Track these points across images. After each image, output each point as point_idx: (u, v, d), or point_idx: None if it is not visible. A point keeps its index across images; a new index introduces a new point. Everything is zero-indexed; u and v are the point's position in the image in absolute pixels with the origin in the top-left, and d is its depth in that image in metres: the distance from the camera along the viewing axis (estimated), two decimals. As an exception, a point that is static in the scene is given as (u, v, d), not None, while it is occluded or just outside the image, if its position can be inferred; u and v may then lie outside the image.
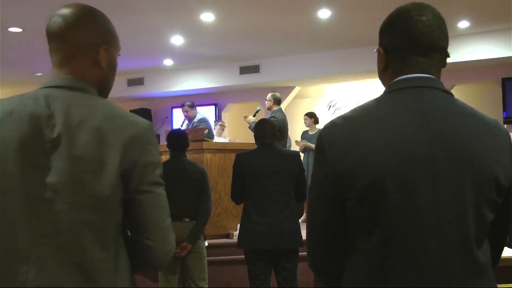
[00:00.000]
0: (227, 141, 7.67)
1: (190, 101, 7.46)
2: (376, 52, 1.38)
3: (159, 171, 1.38)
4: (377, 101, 1.30)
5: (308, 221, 1.36)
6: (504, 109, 8.09)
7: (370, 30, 7.91)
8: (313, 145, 7.63)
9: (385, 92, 1.33)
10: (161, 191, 1.38)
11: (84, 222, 1.28)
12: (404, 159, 1.19)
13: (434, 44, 1.29)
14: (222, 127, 8.59)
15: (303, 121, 8.25)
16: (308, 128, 8.12)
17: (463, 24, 7.28)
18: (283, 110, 9.75)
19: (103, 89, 1.49)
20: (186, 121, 7.43)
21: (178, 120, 10.30)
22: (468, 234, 1.20)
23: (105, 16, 1.46)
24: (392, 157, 1.19)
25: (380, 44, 1.36)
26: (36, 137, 1.28)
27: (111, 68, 1.48)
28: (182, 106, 7.39)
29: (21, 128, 1.28)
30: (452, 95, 1.30)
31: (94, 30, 1.41)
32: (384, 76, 1.37)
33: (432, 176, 1.19)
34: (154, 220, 1.35)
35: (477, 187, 1.20)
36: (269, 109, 6.89)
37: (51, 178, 1.27)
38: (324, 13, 6.68)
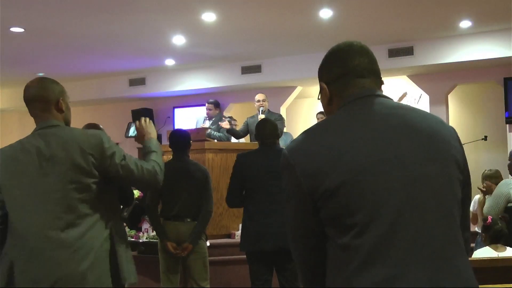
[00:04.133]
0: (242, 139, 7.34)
1: (214, 100, 7.36)
2: (319, 99, 1.51)
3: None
4: (333, 116, 1.43)
5: (292, 238, 1.40)
6: (506, 109, 8.07)
7: (372, 30, 7.92)
8: None
9: (337, 110, 1.44)
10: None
11: None
12: (371, 152, 1.28)
13: (367, 67, 1.45)
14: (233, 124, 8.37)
15: (317, 120, 8.28)
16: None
17: (465, 23, 7.27)
18: (285, 110, 9.80)
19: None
20: (207, 119, 7.29)
21: (180, 119, 10.32)
22: (443, 215, 1.27)
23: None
24: (359, 151, 1.28)
25: (321, 81, 1.51)
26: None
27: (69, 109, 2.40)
28: (207, 103, 7.32)
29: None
30: (392, 100, 1.45)
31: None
32: (330, 109, 1.49)
33: (400, 163, 1.27)
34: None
35: (444, 165, 1.30)
36: (264, 111, 6.58)
37: None
38: (325, 13, 6.68)
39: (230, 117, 8.39)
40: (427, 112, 1.42)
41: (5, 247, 2.22)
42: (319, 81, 1.51)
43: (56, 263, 2.11)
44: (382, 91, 1.46)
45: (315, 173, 1.28)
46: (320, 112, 8.38)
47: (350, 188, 1.24)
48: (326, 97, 1.48)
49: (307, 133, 1.39)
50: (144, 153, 2.45)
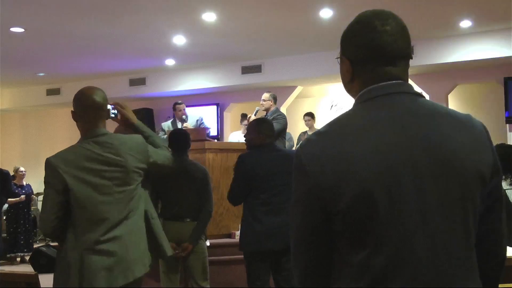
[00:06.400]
0: None
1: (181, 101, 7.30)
2: (338, 60, 1.37)
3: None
4: (351, 113, 1.30)
5: (295, 241, 1.33)
6: (507, 109, 8.07)
7: (372, 29, 7.90)
8: None
9: (356, 103, 1.32)
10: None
11: None
12: (385, 166, 1.19)
13: (400, 53, 1.29)
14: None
15: (304, 122, 8.29)
16: (307, 129, 8.14)
17: (465, 23, 7.27)
18: (286, 110, 9.80)
19: None
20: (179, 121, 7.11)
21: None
22: (458, 233, 1.22)
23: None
24: (373, 165, 1.19)
25: (343, 54, 1.35)
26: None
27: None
28: (179, 104, 7.17)
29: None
30: (423, 96, 1.31)
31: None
32: (351, 87, 1.36)
33: (415, 180, 1.19)
34: None
35: (463, 182, 1.22)
36: (267, 109, 6.42)
37: None
38: (326, 13, 6.68)
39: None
40: (456, 118, 1.28)
41: (70, 241, 2.48)
42: (341, 54, 1.35)
43: (121, 251, 2.46)
44: (408, 78, 1.33)
45: (330, 187, 1.21)
46: (307, 114, 8.30)
47: (364, 208, 1.19)
48: (348, 75, 1.34)
49: (324, 134, 1.27)
50: (145, 136, 2.73)
